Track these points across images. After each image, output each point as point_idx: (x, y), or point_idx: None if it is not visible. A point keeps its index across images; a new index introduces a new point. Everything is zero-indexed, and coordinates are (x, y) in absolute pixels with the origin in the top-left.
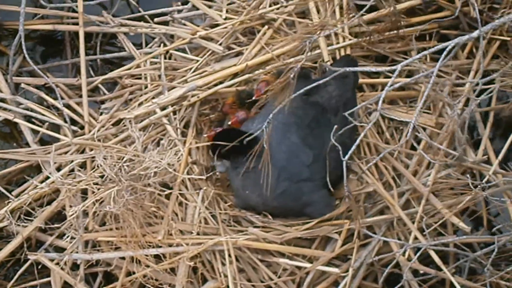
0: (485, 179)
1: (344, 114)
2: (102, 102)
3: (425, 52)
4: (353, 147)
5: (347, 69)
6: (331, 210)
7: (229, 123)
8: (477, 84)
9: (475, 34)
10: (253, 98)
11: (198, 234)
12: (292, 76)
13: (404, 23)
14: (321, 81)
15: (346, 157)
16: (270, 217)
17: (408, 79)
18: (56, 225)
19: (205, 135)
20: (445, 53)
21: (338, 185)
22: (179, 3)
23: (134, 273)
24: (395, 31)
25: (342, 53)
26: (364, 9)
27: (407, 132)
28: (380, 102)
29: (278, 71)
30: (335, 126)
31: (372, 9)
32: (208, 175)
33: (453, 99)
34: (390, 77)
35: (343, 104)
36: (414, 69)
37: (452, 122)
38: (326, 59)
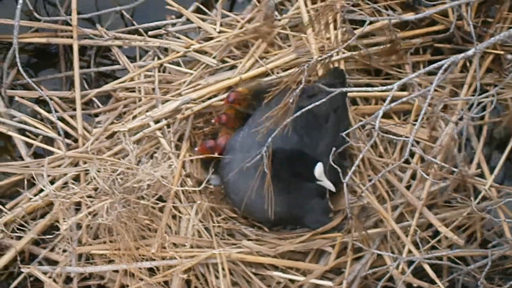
0: (481, 195)
1: (337, 124)
2: (96, 115)
3: (421, 71)
4: (352, 169)
5: (344, 89)
6: (328, 218)
7: (196, 149)
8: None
9: (470, 52)
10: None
11: (191, 247)
12: (291, 101)
13: (399, 37)
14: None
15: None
16: (265, 229)
17: (404, 95)
18: (49, 237)
19: (196, 149)
20: (441, 71)
21: (332, 196)
22: (173, 17)
23: (127, 286)
24: (389, 45)
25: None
26: (361, 30)
27: (401, 146)
28: (378, 123)
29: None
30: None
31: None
32: (202, 186)
33: (447, 113)
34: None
35: (333, 110)
36: (408, 82)
37: (446, 137)
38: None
